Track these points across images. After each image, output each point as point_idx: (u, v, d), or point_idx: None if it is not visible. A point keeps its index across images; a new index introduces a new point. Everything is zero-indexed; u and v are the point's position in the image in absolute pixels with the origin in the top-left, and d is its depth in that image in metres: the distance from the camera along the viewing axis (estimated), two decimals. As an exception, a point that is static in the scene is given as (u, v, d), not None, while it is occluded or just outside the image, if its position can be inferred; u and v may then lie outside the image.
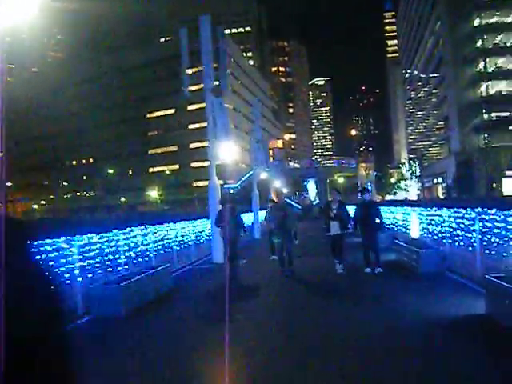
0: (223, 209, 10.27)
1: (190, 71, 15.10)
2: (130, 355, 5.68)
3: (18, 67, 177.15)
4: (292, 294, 9.10)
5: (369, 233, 10.70)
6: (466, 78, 61.86)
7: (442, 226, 10.93)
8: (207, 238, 16.13)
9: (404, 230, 15.04)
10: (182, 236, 14.35)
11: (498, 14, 60.00)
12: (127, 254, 9.69)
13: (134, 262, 10.11)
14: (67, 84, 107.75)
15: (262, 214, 32.43)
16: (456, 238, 9.94)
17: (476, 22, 60.72)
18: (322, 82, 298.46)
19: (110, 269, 8.85)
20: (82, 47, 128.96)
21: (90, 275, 8.08)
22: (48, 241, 7.03)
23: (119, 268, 9.22)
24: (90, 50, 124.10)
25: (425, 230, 12.46)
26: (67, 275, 7.33)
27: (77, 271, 7.64)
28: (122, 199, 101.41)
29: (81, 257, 7.81)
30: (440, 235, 11.07)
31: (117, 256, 9.12)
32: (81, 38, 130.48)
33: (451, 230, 10.21)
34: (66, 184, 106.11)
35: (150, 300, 8.57)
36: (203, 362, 5.20)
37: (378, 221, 10.77)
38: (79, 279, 7.68)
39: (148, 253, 11.05)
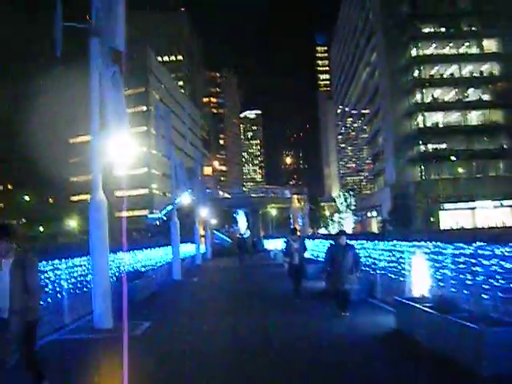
0: None
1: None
2: None
3: None
4: None
5: None
6: (402, 109, 60.72)
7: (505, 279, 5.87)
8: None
9: (393, 276, 10.07)
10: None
11: (434, 45, 59.60)
12: None
13: None
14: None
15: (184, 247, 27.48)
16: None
17: (413, 53, 59.97)
18: (254, 116, 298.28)
19: None
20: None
21: None
22: None
23: None
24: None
25: (451, 283, 7.22)
26: None
27: None
28: (41, 229, 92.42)
29: None
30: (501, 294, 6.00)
31: None
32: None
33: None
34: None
35: None
36: None
37: None
38: None
39: None
